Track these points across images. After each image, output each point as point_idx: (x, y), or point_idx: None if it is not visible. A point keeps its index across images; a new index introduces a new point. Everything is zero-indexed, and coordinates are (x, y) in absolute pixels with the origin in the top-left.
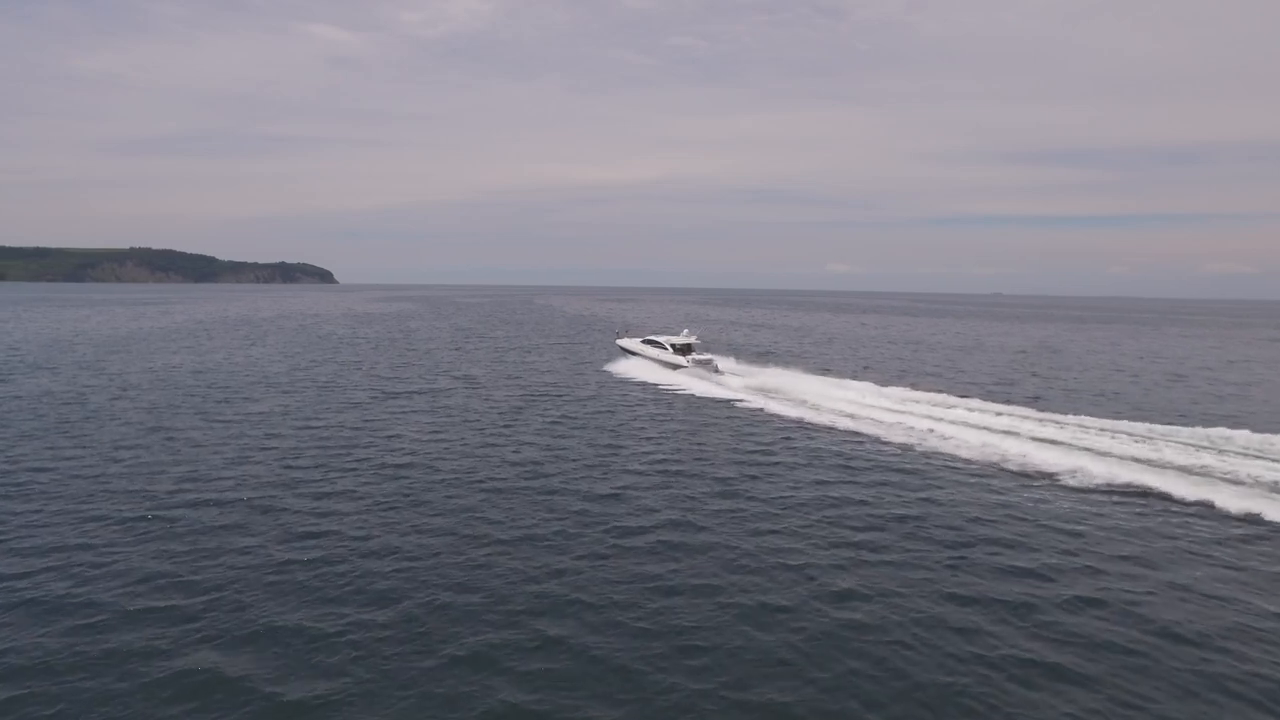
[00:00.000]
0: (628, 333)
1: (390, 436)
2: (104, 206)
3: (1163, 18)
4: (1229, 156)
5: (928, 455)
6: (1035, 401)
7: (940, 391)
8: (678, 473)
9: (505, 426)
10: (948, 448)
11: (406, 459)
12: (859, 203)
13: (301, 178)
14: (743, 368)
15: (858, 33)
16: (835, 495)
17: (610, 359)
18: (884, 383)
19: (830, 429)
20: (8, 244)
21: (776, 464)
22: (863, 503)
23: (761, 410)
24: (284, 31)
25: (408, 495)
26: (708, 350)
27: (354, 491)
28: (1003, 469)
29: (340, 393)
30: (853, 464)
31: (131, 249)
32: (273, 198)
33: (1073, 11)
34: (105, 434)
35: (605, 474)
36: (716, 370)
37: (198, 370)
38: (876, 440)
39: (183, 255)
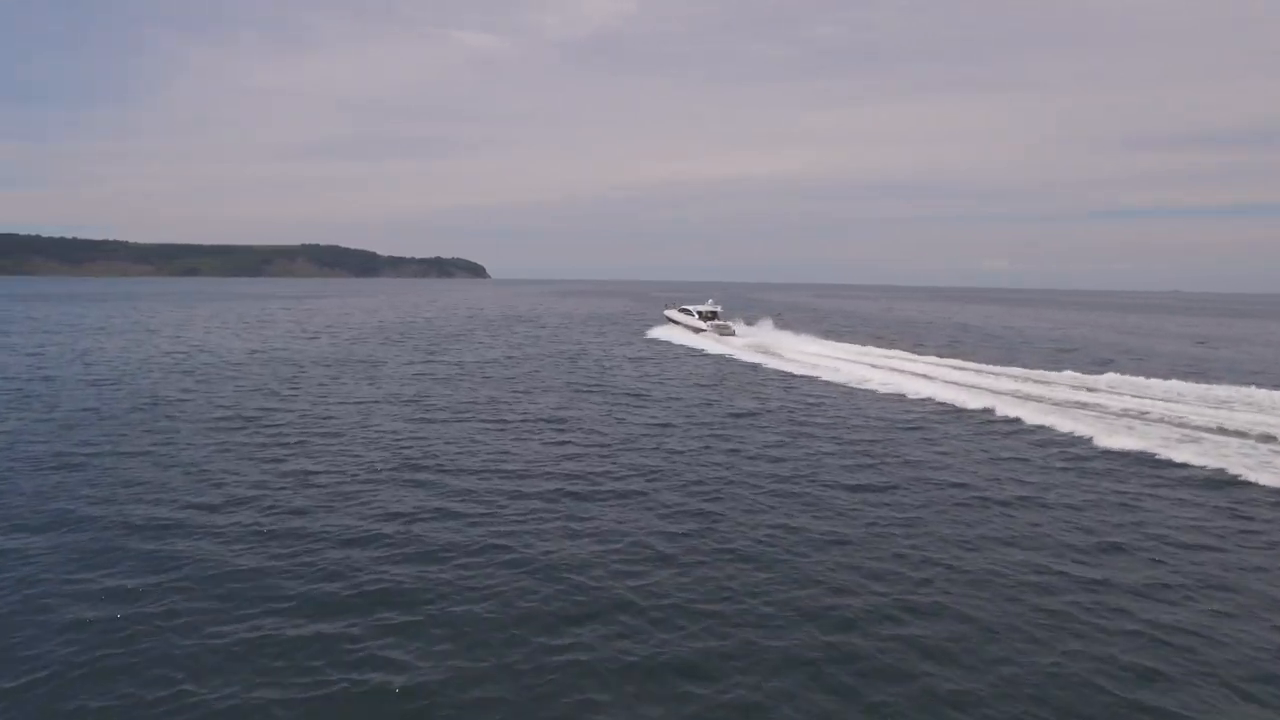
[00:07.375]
0: (674, 305)
1: None
2: (278, 208)
3: None
4: None
5: (850, 392)
6: None
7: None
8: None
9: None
10: (885, 390)
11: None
12: (1016, 196)
13: (451, 176)
14: (761, 332)
15: (1016, 8)
16: (720, 407)
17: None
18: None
19: (778, 370)
20: (199, 242)
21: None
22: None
23: (729, 357)
24: (434, 39)
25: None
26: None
27: None
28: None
29: None
30: (773, 392)
31: (302, 245)
32: (426, 196)
33: None
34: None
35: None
36: (731, 333)
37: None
38: (815, 380)
39: (347, 251)
